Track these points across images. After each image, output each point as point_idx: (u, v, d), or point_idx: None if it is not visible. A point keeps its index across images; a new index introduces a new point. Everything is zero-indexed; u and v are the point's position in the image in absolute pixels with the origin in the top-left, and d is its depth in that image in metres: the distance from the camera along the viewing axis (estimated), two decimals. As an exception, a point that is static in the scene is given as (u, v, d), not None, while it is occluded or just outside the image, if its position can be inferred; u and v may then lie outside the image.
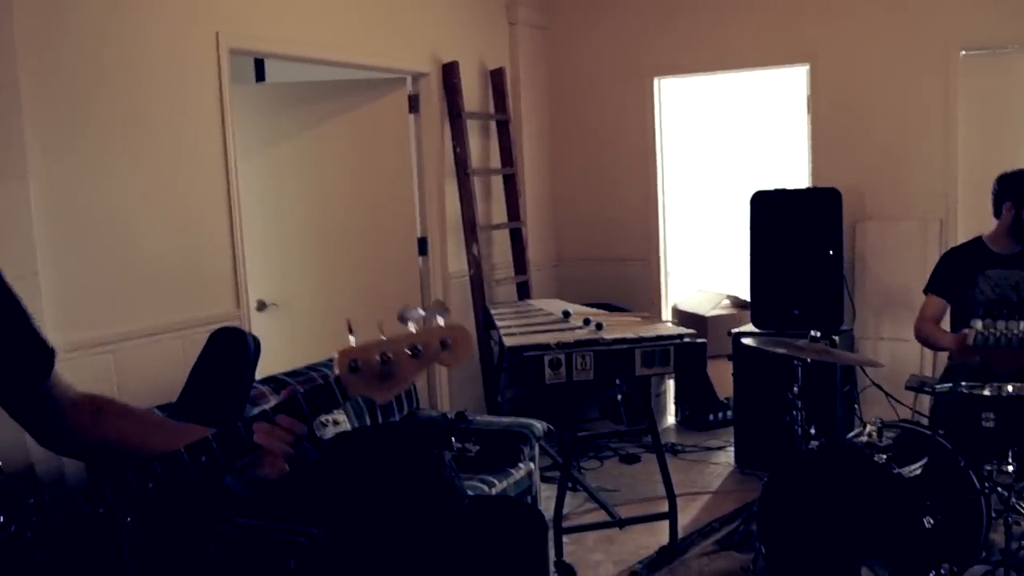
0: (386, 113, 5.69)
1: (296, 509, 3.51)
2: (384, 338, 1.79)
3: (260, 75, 6.57)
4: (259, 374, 3.81)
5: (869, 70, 6.03)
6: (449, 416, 4.82)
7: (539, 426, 4.71)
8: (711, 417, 6.69)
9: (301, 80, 5.87)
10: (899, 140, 5.98)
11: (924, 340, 4.69)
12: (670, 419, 6.91)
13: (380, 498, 3.46)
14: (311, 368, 4.47)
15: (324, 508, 3.45)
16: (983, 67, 5.77)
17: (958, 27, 5.75)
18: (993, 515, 3.88)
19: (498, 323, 4.97)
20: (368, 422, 4.51)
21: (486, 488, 4.18)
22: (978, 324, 1.95)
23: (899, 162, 5.99)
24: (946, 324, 4.69)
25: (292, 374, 4.36)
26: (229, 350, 3.53)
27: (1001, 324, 1.95)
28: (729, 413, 6.54)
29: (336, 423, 4.21)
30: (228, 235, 4.48)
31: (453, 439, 4.45)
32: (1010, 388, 3.81)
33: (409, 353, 1.78)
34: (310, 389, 1.81)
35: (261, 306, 5.49)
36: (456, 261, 5.97)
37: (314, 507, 3.49)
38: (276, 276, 5.58)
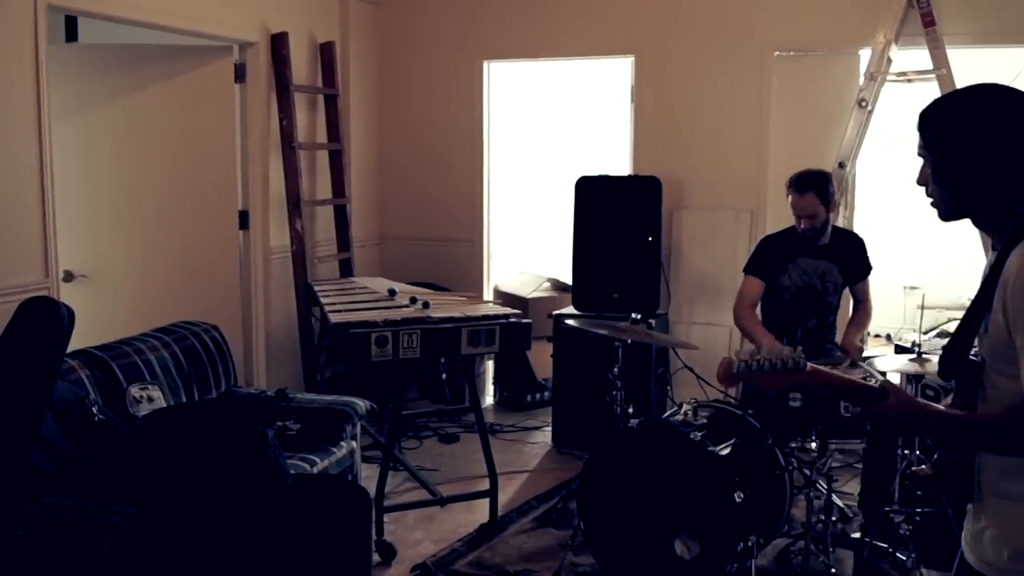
0: (210, 82, 5.51)
1: (110, 488, 3.38)
2: None
3: (72, 35, 6.24)
4: (68, 348, 3.64)
5: (690, 65, 6.23)
6: (269, 394, 4.73)
7: (361, 404, 4.67)
8: (529, 398, 6.80)
9: (118, 42, 5.62)
10: (716, 133, 6.21)
11: (742, 329, 4.85)
12: (489, 399, 6.98)
13: (200, 476, 3.36)
14: (124, 343, 4.30)
15: (140, 487, 3.34)
16: (794, 68, 6.05)
17: (772, 29, 6.02)
18: (795, 490, 4.10)
19: (322, 300, 4.90)
20: (184, 399, 4.38)
21: (307, 467, 4.12)
22: (742, 353, 2.02)
23: (715, 154, 6.22)
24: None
25: (104, 348, 4.18)
26: (40, 322, 3.35)
27: (765, 351, 2.03)
28: (547, 394, 6.66)
29: (151, 399, 4.07)
30: (39, 201, 4.25)
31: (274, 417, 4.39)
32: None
33: None
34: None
35: (68, 277, 5.23)
36: (278, 236, 5.85)
37: (129, 486, 3.37)
38: (86, 246, 5.33)
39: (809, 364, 2.04)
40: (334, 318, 4.30)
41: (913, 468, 3.83)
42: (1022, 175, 1.98)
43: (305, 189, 5.97)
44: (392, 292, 4.88)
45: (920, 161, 2.12)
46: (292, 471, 3.88)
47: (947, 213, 2.10)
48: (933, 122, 2.05)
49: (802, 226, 4.68)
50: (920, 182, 2.12)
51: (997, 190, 2.00)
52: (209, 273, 5.56)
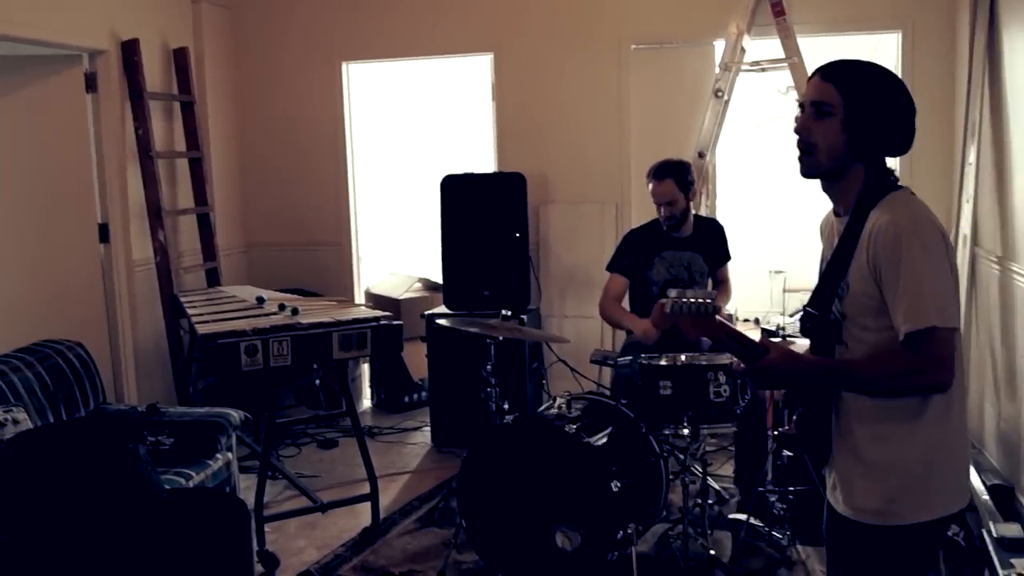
0: (60, 92, 5.34)
1: (-25, 516, 3.26)
2: None
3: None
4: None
5: (550, 60, 6.31)
6: (140, 409, 4.61)
7: (235, 415, 4.60)
8: (406, 399, 6.79)
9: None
10: (578, 128, 6.31)
11: (609, 319, 4.91)
12: (366, 402, 6.95)
13: (70, 497, 3.27)
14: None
15: (7, 511, 3.23)
16: (652, 60, 6.18)
17: (629, 23, 6.15)
18: (671, 476, 4.21)
19: (189, 311, 4.80)
20: (51, 419, 4.24)
21: (183, 481, 4.05)
22: (672, 292, 2.13)
23: (579, 148, 6.32)
24: (626, 303, 5.00)
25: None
26: None
27: (691, 292, 2.14)
28: (424, 394, 6.66)
29: (16, 422, 3.93)
30: None
31: (145, 432, 4.28)
32: (683, 358, 4.14)
33: None
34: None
35: (-81, 300, 5.03)
36: (141, 248, 5.70)
37: (-5, 512, 3.25)
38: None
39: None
40: (202, 329, 4.22)
41: (780, 430, 3.99)
42: (904, 130, 2.21)
43: (166, 199, 5.84)
44: (260, 300, 4.82)
45: (793, 113, 2.31)
46: (167, 486, 3.80)
47: (826, 162, 2.23)
48: (851, 72, 2.22)
49: (663, 213, 4.78)
50: (799, 129, 2.25)
51: (891, 139, 2.21)
52: (70, 289, 5.40)
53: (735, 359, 4.08)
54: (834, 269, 2.23)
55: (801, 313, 2.35)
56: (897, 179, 2.23)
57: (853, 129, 2.17)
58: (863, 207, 2.19)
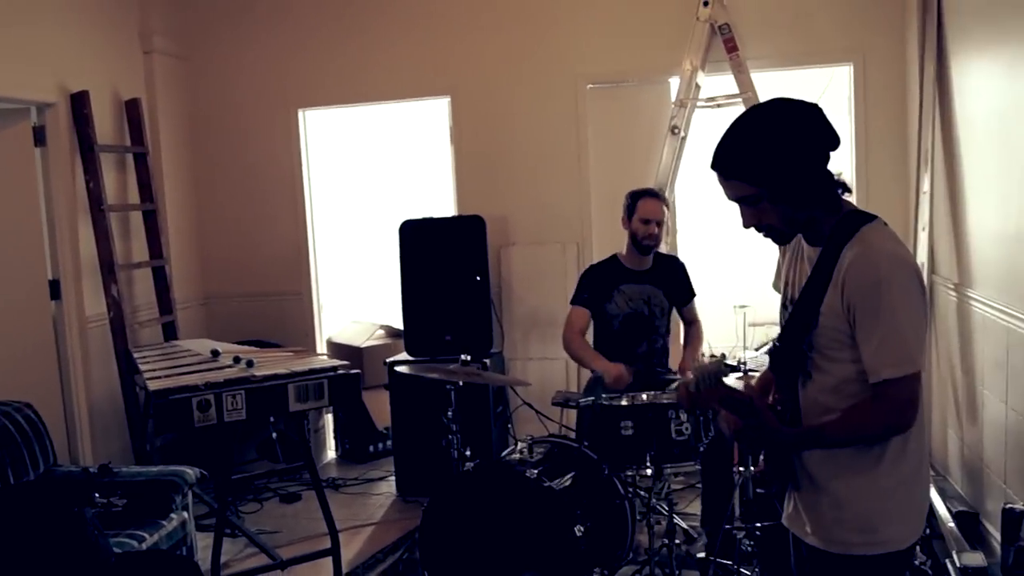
0: (8, 146, 5.27)
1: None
2: None
3: None
4: None
5: (507, 102, 6.29)
6: (92, 470, 4.49)
7: (191, 472, 4.49)
8: (371, 448, 6.67)
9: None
10: (537, 168, 6.28)
11: (573, 355, 4.85)
12: (331, 453, 6.82)
13: (14, 566, 3.15)
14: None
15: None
16: (608, 99, 6.17)
17: (584, 62, 6.14)
18: (637, 517, 4.12)
19: (142, 366, 4.67)
20: (-3, 484, 4.11)
21: (136, 544, 3.92)
22: (690, 374, 2.18)
23: (538, 189, 6.28)
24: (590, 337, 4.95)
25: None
26: None
27: (701, 367, 2.16)
28: (389, 443, 6.55)
29: (-41, 488, 3.81)
30: None
31: (96, 494, 4.16)
32: (644, 396, 4.08)
33: None
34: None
35: None
36: (94, 304, 5.60)
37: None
38: None
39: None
40: (153, 385, 4.10)
41: (751, 469, 3.92)
42: (818, 155, 2.16)
43: (120, 253, 5.75)
44: (215, 353, 4.70)
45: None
46: (118, 549, 3.69)
47: (790, 230, 2.24)
48: (737, 155, 2.16)
49: (647, 232, 4.76)
50: (749, 224, 2.24)
51: (815, 174, 2.16)
52: (20, 348, 5.28)
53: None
54: (806, 303, 2.22)
55: (770, 347, 2.35)
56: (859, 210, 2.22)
57: (782, 196, 2.15)
58: (835, 242, 2.17)
